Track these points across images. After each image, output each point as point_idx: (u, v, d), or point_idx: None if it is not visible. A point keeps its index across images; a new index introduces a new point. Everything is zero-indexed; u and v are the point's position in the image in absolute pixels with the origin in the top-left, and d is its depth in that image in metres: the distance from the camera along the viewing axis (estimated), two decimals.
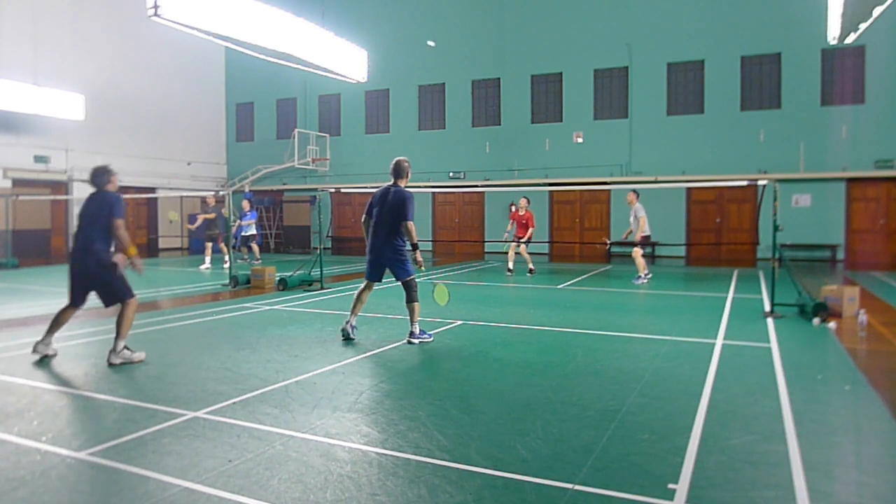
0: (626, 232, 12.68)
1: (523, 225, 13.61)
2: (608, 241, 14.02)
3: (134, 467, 3.31)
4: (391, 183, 6.70)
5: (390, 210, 6.47)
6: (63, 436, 3.80)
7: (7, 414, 4.24)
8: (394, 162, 6.74)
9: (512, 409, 4.31)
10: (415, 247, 6.48)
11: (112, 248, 5.77)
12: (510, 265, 13.89)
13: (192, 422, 4.05)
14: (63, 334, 7.07)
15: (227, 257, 15.33)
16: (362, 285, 6.78)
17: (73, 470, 3.30)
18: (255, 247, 17.02)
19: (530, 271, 13.67)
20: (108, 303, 5.79)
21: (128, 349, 5.72)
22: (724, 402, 4.46)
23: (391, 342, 6.57)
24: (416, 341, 6.49)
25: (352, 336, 6.63)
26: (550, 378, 5.15)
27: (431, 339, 6.64)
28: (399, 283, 6.60)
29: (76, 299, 5.87)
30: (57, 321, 5.90)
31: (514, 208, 15.99)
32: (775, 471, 3.27)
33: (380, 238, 6.52)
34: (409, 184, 6.88)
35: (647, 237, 12.47)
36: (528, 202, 13.90)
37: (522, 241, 13.66)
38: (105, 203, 5.71)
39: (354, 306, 6.72)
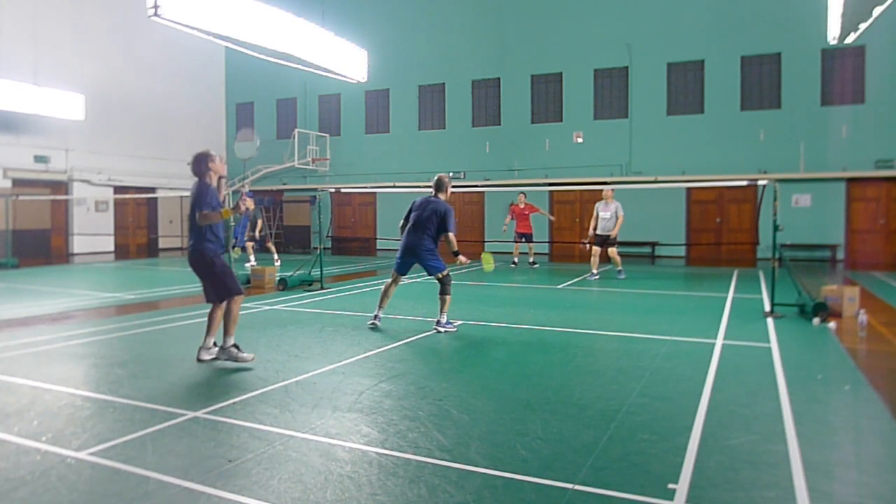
0: (593, 226, 12.53)
1: (524, 217, 14.49)
2: (586, 242, 14.11)
3: (134, 467, 3.31)
4: (432, 195, 7.35)
5: (430, 217, 7.13)
6: (63, 436, 3.80)
7: (7, 414, 4.24)
8: (436, 178, 7.44)
9: (512, 409, 4.31)
10: (456, 254, 7.18)
11: (214, 242, 5.56)
12: (515, 259, 15.19)
13: (192, 422, 4.05)
14: (63, 334, 7.08)
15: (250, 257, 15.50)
16: (389, 280, 7.44)
17: (73, 470, 3.30)
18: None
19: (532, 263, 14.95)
20: (218, 298, 5.60)
21: (236, 347, 5.55)
22: (724, 402, 4.46)
23: (391, 342, 6.58)
24: (442, 330, 7.06)
25: (378, 326, 7.33)
26: (550, 378, 5.15)
27: (456, 329, 7.19)
28: (433, 278, 7.22)
29: (207, 296, 5.79)
30: (211, 322, 5.75)
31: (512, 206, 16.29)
32: (775, 471, 3.27)
33: (414, 239, 7.15)
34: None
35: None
36: (525, 196, 15.17)
37: (526, 240, 14.97)
38: (195, 194, 5.46)
39: (382, 301, 7.41)
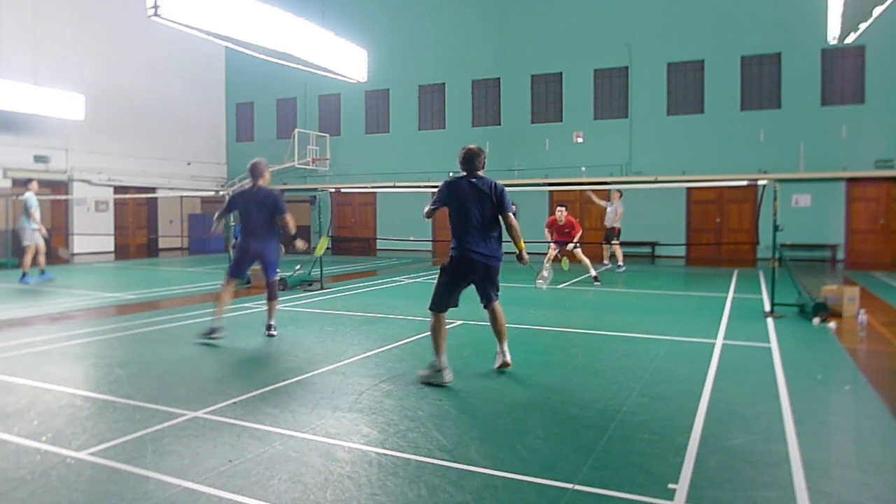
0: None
1: (565, 233, 12.47)
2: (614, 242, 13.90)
3: (134, 467, 3.31)
4: (251, 186, 7.03)
5: (261, 211, 6.81)
6: (63, 436, 3.80)
7: (7, 414, 4.24)
8: (250, 165, 7.26)
9: (512, 409, 4.31)
10: (294, 237, 6.87)
11: None
12: (545, 273, 11.94)
13: (192, 422, 4.05)
14: (63, 334, 7.08)
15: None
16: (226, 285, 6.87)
17: (73, 470, 3.30)
18: None
19: (595, 279, 12.29)
20: (496, 297, 5.31)
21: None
22: (724, 402, 4.46)
23: (391, 342, 6.57)
24: (275, 333, 6.77)
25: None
26: (550, 378, 5.15)
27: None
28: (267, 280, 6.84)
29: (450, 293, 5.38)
30: (444, 333, 5.19)
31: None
32: (775, 471, 3.27)
33: (258, 241, 6.81)
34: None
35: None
36: (566, 209, 12.66)
37: (573, 244, 12.52)
38: (501, 191, 5.09)
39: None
